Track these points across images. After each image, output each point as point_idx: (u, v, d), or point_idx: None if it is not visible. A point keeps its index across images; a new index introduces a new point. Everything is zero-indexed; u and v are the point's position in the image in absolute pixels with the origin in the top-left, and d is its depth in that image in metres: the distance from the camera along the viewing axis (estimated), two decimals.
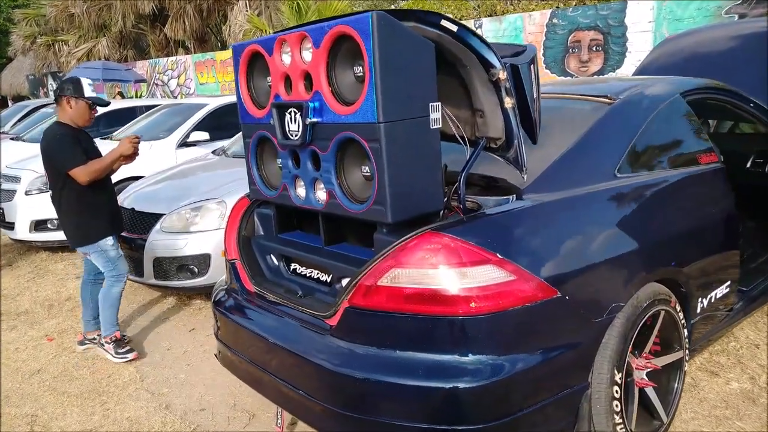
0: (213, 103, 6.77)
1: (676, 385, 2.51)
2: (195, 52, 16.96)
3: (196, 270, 4.13)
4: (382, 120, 1.91)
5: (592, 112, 2.53)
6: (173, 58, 16.74)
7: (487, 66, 2.11)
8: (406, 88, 1.96)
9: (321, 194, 2.27)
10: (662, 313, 2.35)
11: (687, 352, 2.54)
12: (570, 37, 8.59)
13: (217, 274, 4.11)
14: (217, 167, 5.06)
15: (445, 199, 2.16)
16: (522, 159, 2.17)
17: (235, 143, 5.70)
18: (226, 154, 5.44)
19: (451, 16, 2.07)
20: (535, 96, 2.18)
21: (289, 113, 2.24)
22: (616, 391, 2.15)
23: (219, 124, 6.65)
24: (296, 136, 2.23)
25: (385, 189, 1.96)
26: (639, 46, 7.78)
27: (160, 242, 4.17)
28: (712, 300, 2.72)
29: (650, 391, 2.38)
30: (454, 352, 1.88)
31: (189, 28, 15.93)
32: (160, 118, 7.16)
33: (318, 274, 2.39)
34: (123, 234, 4.50)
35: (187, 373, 3.39)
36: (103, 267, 3.54)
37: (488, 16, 11.11)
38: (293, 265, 2.52)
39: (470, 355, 1.87)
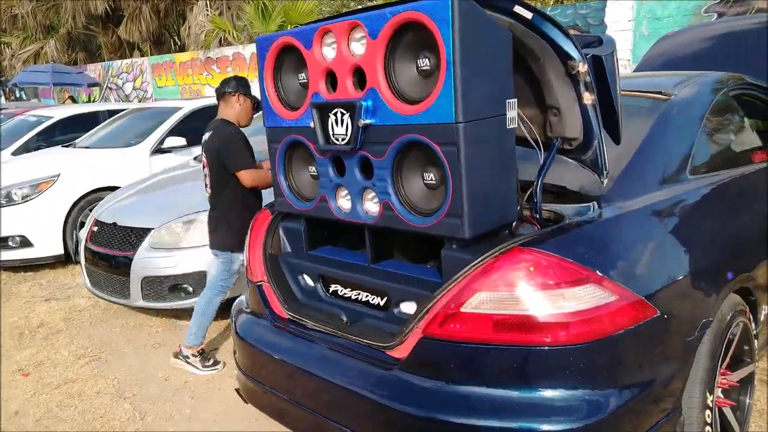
0: (188, 106, 6.34)
1: (747, 400, 2.34)
2: (151, 54, 16.26)
3: (191, 289, 3.76)
4: (462, 120, 1.65)
5: (650, 109, 2.34)
6: (128, 61, 16.01)
7: (564, 58, 1.88)
8: (485, 83, 1.72)
9: (371, 206, 2.00)
10: (741, 325, 2.17)
11: (757, 364, 2.38)
12: None
13: None
14: None
15: (518, 208, 1.92)
16: (602, 162, 1.95)
17: None
18: None
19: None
20: (618, 91, 1.96)
21: (334, 114, 1.96)
22: (708, 416, 1.96)
23: (196, 128, 6.21)
24: (343, 140, 1.95)
25: (462, 200, 1.70)
26: (619, 45, 7.74)
27: (149, 260, 3.78)
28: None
29: (727, 411, 2.20)
30: (552, 388, 1.63)
31: (145, 29, 15.23)
32: (128, 124, 6.68)
33: (367, 296, 2.10)
34: (103, 251, 4.10)
35: (193, 408, 3.03)
36: (220, 275, 3.31)
37: None
38: (333, 287, 2.22)
39: (570, 389, 1.63)
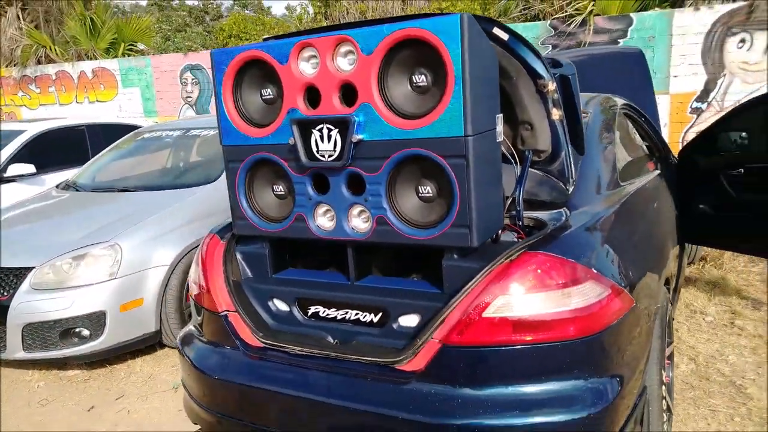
0: (33, 129, 5.59)
1: (671, 374, 2.70)
2: None
3: (87, 333, 3.31)
4: (471, 133, 1.72)
5: None
6: None
7: (535, 77, 2.05)
8: (484, 98, 1.80)
9: (359, 222, 1.98)
10: (669, 309, 2.50)
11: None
12: None
13: (114, 335, 3.38)
14: (83, 204, 4.14)
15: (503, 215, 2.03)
16: (569, 171, 2.14)
17: (82, 175, 4.78)
18: (77, 188, 4.50)
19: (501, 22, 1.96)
20: (581, 108, 2.16)
21: (319, 130, 1.91)
22: (664, 391, 2.22)
23: (45, 153, 5.52)
24: (330, 156, 1.91)
25: (470, 210, 1.76)
26: None
27: (31, 304, 3.25)
28: (671, 289, 3.00)
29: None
30: (567, 379, 1.74)
31: None
32: None
33: (357, 314, 2.05)
34: None
35: None
36: None
37: None
38: (313, 309, 2.13)
39: (580, 380, 1.75)
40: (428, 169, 1.83)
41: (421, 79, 1.80)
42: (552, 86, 2.04)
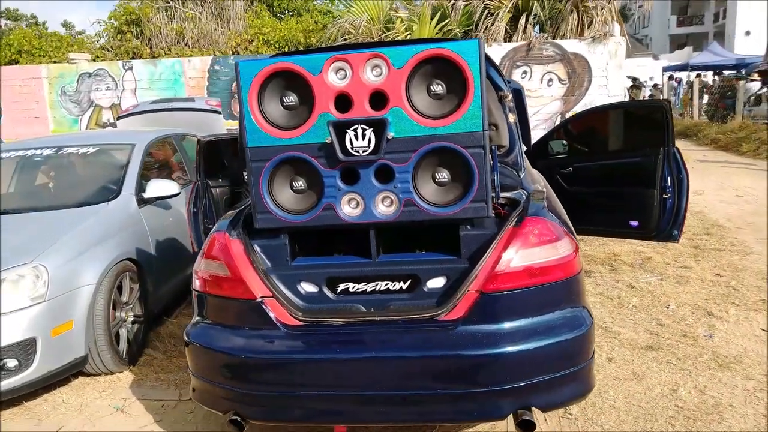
0: None
1: None
2: None
3: (15, 364, 3.00)
4: (486, 128, 2.26)
5: None
6: None
7: (497, 89, 2.67)
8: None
9: (384, 207, 2.36)
10: None
11: None
12: (234, 84, 9.12)
13: (45, 363, 3.14)
14: None
15: None
16: (521, 162, 2.79)
17: None
18: None
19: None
20: (528, 112, 2.83)
21: (353, 130, 2.28)
22: None
23: None
24: (364, 151, 2.28)
25: (487, 188, 2.29)
26: None
27: None
28: None
29: None
30: (565, 309, 2.33)
31: None
32: None
33: (386, 284, 2.41)
34: None
35: None
36: None
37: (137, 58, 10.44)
38: (342, 286, 2.43)
39: (572, 309, 2.36)
40: (445, 159, 2.31)
41: (437, 88, 2.28)
42: (509, 96, 2.68)
